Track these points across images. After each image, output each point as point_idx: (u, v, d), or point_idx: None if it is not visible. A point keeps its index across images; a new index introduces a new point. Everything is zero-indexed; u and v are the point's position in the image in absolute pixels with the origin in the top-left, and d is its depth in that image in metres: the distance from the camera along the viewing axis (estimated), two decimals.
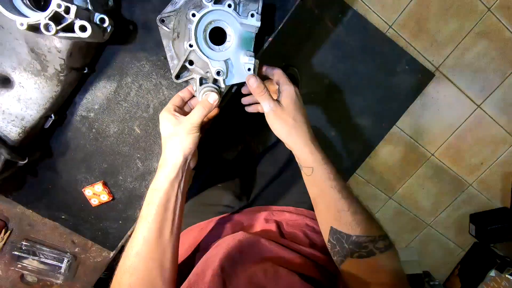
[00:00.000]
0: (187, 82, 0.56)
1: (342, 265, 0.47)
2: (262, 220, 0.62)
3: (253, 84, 0.49)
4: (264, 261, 0.47)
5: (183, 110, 0.54)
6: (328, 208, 0.49)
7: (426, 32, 1.52)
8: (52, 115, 0.58)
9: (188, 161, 0.50)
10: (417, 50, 1.55)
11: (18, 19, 0.42)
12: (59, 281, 0.76)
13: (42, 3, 0.48)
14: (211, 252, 0.49)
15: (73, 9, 0.42)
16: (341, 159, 1.73)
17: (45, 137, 0.63)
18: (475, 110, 1.68)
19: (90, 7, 0.47)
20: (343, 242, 0.47)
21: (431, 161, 1.78)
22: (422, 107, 1.66)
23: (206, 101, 0.49)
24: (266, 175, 0.78)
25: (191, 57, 0.49)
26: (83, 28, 0.44)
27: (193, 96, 0.55)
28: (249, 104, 0.61)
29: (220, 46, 0.50)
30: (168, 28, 0.53)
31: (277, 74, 0.53)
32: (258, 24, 0.48)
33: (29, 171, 0.66)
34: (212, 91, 0.50)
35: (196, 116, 0.48)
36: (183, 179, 0.50)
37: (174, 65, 0.55)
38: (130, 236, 0.74)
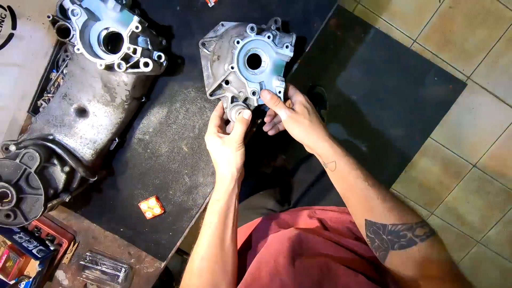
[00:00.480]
0: (218, 99, 0.63)
1: (386, 261, 0.47)
2: (306, 217, 0.65)
3: (267, 96, 0.54)
4: (317, 257, 0.50)
5: (222, 127, 0.61)
6: (358, 199, 0.50)
7: (453, 43, 1.53)
8: (116, 139, 0.68)
9: (240, 174, 0.56)
10: (445, 61, 1.55)
11: (98, 61, 0.53)
12: None
13: (109, 47, 0.59)
14: (263, 252, 0.53)
15: (139, 50, 0.53)
16: (375, 174, 1.70)
17: (109, 158, 0.74)
18: None
19: (150, 47, 0.58)
20: (381, 234, 0.46)
21: (474, 173, 1.70)
22: (457, 118, 1.62)
23: (242, 118, 0.55)
24: (304, 183, 0.83)
25: (229, 78, 0.57)
26: (146, 64, 0.54)
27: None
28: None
29: (256, 70, 0.57)
30: (208, 51, 0.62)
31: (290, 89, 0.58)
32: (291, 54, 0.55)
33: (95, 189, 0.77)
34: (244, 108, 0.57)
35: (237, 134, 0.54)
36: (238, 190, 0.56)
37: (209, 83, 0.63)
38: (179, 246, 0.81)
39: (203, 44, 0.62)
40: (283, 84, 0.56)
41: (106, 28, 0.56)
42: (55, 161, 0.60)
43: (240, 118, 0.55)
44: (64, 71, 0.70)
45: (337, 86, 1.59)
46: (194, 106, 0.70)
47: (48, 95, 0.73)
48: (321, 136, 0.53)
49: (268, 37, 0.54)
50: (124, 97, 0.61)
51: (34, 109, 0.73)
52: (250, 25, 0.52)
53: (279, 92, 0.56)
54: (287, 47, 0.54)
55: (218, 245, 0.53)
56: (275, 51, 0.55)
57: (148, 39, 0.57)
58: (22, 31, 0.65)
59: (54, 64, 0.70)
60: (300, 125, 0.53)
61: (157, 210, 0.76)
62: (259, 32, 0.53)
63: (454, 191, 1.74)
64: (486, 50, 1.53)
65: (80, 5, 0.52)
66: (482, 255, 1.83)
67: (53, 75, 0.72)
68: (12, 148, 0.59)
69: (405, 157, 1.69)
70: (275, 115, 0.61)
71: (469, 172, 1.70)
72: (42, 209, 0.58)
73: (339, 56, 1.56)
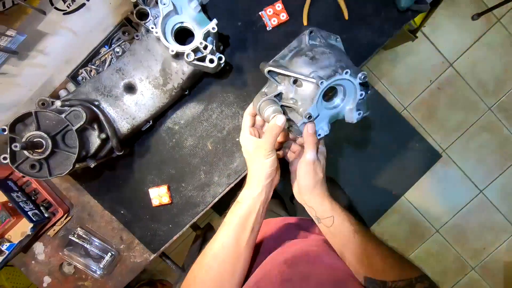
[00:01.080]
0: (264, 83, 0.57)
1: None
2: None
3: (311, 129, 0.52)
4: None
5: (257, 127, 0.59)
6: (357, 256, 0.48)
7: (436, 118, 1.75)
8: (151, 121, 0.72)
9: (271, 180, 0.53)
10: (427, 132, 1.76)
11: (171, 46, 0.59)
12: (96, 275, 0.80)
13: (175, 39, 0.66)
14: (276, 253, 0.54)
15: (209, 47, 0.60)
16: None
17: (134, 139, 0.76)
18: (478, 194, 1.81)
19: (214, 48, 0.65)
20: None
21: (436, 238, 1.84)
22: (430, 184, 1.80)
23: (275, 124, 0.50)
24: None
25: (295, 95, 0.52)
26: (211, 61, 0.61)
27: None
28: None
29: (329, 104, 0.55)
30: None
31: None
32: (355, 120, 0.54)
33: (107, 166, 0.77)
34: (280, 112, 0.51)
35: (268, 141, 0.50)
36: (266, 196, 0.53)
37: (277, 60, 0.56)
38: (174, 241, 0.81)
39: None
40: (328, 132, 0.55)
41: (181, 22, 0.63)
42: (95, 126, 0.62)
43: (273, 125, 0.50)
44: (116, 49, 0.75)
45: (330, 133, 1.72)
46: (229, 109, 0.76)
47: (92, 66, 0.76)
48: (326, 193, 0.54)
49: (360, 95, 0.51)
50: (176, 84, 0.66)
51: (74, 76, 0.75)
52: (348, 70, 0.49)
53: (319, 135, 0.54)
54: (359, 113, 0.53)
55: (232, 246, 0.51)
56: (351, 104, 0.53)
57: (214, 41, 0.65)
58: (93, 4, 0.69)
59: (108, 41, 0.75)
60: (315, 175, 0.53)
61: (165, 199, 0.77)
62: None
63: (416, 251, 1.86)
64: (462, 131, 1.76)
65: None
66: None
67: (103, 50, 0.76)
68: (58, 103, 0.60)
69: (379, 210, 1.81)
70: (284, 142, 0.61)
71: (432, 236, 1.84)
72: (70, 167, 0.59)
73: None
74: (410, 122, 1.75)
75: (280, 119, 0.50)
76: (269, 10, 0.73)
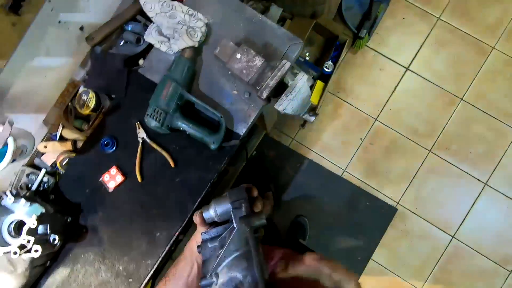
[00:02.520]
0: None
1: None
2: None
3: None
4: None
5: None
6: None
7: (378, 172, 1.74)
8: None
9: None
10: (374, 188, 1.73)
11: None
12: None
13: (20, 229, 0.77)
14: None
15: (32, 240, 0.70)
16: None
17: None
18: (450, 240, 1.69)
19: (48, 231, 0.75)
20: None
21: None
22: (394, 240, 1.71)
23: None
24: None
25: None
26: (36, 251, 0.70)
27: None
28: None
29: None
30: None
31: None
32: None
33: None
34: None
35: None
36: None
37: None
38: None
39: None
40: None
41: (16, 219, 0.75)
42: None
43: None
44: None
45: (280, 210, 1.74)
46: (92, 267, 0.84)
47: None
48: None
49: None
50: (24, 268, 0.76)
51: None
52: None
53: None
54: None
55: None
56: None
57: (48, 225, 0.75)
58: None
59: None
60: None
61: None
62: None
63: None
64: (408, 179, 1.72)
65: None
66: None
67: None
68: None
69: None
70: None
71: None
72: None
73: (280, 181, 1.77)
74: (354, 183, 1.75)
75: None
76: (106, 176, 0.85)
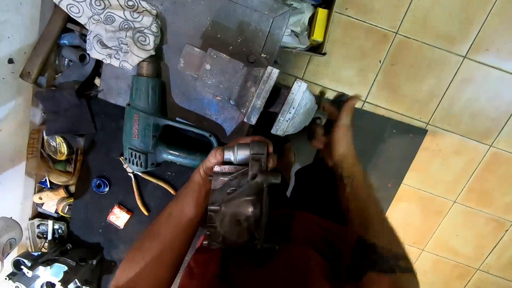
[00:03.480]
0: None
1: (363, 279, 0.48)
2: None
3: (355, 101, 0.61)
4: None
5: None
6: (360, 217, 0.52)
7: (403, 95, 1.54)
8: None
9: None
10: (400, 114, 1.57)
11: None
12: None
13: None
14: None
15: None
16: None
17: None
18: (488, 149, 1.58)
19: (79, 284, 0.76)
20: (367, 253, 0.48)
21: (456, 208, 1.70)
22: (426, 162, 1.64)
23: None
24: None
25: None
26: None
27: None
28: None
29: None
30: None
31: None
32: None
33: None
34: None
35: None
36: None
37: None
38: None
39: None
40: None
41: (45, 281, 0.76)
42: None
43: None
44: None
45: (299, 154, 1.68)
46: None
47: None
48: (354, 152, 0.61)
49: None
50: None
51: None
52: None
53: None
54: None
55: (178, 216, 0.52)
56: None
57: (76, 279, 0.76)
58: None
59: None
60: (350, 137, 0.61)
61: None
62: None
63: (440, 227, 1.75)
64: (439, 96, 1.52)
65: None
66: (485, 281, 1.83)
67: None
68: None
69: (382, 206, 1.74)
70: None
71: (451, 209, 1.71)
72: None
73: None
74: (377, 112, 1.58)
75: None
76: (112, 217, 0.80)
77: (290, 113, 0.52)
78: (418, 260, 1.84)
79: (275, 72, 0.51)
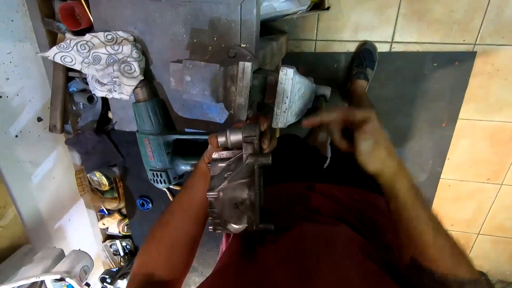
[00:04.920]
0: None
1: None
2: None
3: (370, 125, 0.44)
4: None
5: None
6: (411, 239, 0.44)
7: (437, 21, 1.33)
8: None
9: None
10: (437, 43, 1.37)
11: None
12: None
13: None
14: None
15: None
16: (416, 175, 1.66)
17: None
18: None
19: None
20: (423, 278, 0.42)
21: None
22: (481, 88, 1.42)
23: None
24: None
25: None
26: None
27: None
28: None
29: None
30: None
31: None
32: None
33: None
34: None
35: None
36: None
37: None
38: None
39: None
40: None
41: None
42: None
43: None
44: None
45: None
46: None
47: None
48: (398, 162, 0.45)
49: None
50: None
51: None
52: None
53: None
54: None
55: (187, 204, 0.53)
56: None
57: None
58: None
59: None
60: (384, 146, 0.45)
61: None
62: None
63: None
64: (482, 8, 1.28)
65: None
66: None
67: None
68: None
69: (440, 148, 1.58)
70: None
71: None
72: None
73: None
74: (409, 50, 1.41)
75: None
76: None
77: (285, 103, 0.50)
78: (497, 196, 1.65)
79: (247, 66, 0.49)
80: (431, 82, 1.45)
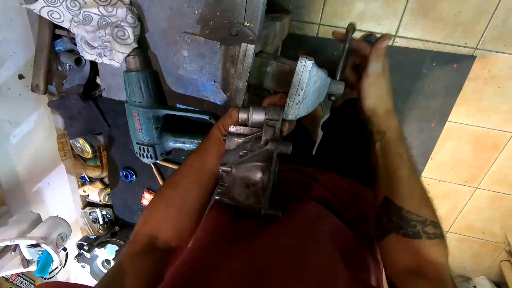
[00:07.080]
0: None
1: (383, 240, 0.47)
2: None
3: (386, 42, 0.50)
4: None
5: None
6: (388, 176, 0.48)
7: (443, 20, 1.31)
8: None
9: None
10: (439, 43, 1.36)
11: None
12: None
13: None
14: None
15: None
16: None
17: None
18: None
19: None
20: (392, 215, 0.46)
21: None
22: (475, 93, 1.44)
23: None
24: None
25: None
26: None
27: None
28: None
29: None
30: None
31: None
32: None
33: None
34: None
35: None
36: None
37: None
38: None
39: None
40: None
41: (104, 259, 0.89)
42: None
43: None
44: None
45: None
46: None
47: None
48: (391, 105, 0.53)
49: None
50: None
51: None
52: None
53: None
54: None
55: (198, 167, 0.52)
56: None
57: None
58: None
59: None
60: (383, 85, 0.52)
61: None
62: None
63: (497, 161, 1.58)
64: (489, 12, 1.26)
65: None
66: None
67: None
68: None
69: (426, 147, 1.62)
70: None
71: (510, 140, 1.52)
72: None
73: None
74: (411, 46, 1.39)
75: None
76: (144, 201, 0.88)
77: (299, 95, 0.47)
78: (471, 198, 1.72)
79: (250, 48, 0.46)
80: (427, 81, 1.45)
